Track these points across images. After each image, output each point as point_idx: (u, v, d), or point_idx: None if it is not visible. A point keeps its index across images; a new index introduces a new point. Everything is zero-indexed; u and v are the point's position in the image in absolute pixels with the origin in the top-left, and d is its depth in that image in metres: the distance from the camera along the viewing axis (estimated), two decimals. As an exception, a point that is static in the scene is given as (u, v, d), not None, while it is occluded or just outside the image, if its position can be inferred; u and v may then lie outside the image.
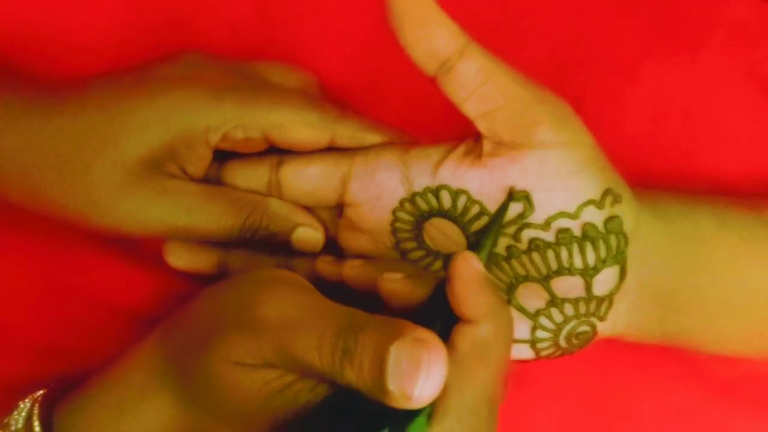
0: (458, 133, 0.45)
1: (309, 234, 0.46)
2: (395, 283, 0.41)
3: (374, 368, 0.35)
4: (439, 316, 0.38)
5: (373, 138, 0.45)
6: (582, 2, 0.50)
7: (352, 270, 0.45)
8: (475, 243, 0.42)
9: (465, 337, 0.37)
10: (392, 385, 0.34)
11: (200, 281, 0.51)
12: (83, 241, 0.51)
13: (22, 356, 0.51)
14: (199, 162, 0.45)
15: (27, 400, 0.45)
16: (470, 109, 0.41)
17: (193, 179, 0.46)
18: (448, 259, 0.39)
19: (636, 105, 0.50)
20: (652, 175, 0.49)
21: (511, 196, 0.42)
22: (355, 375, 0.35)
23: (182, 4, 0.50)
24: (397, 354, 0.34)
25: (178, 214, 0.45)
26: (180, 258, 0.48)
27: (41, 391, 0.45)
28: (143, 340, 0.44)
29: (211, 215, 0.45)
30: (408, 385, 0.34)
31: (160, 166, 0.44)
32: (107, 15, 0.50)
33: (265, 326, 0.37)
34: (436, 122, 0.46)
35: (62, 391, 0.45)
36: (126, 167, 0.43)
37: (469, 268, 0.38)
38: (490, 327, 0.37)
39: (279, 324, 0.37)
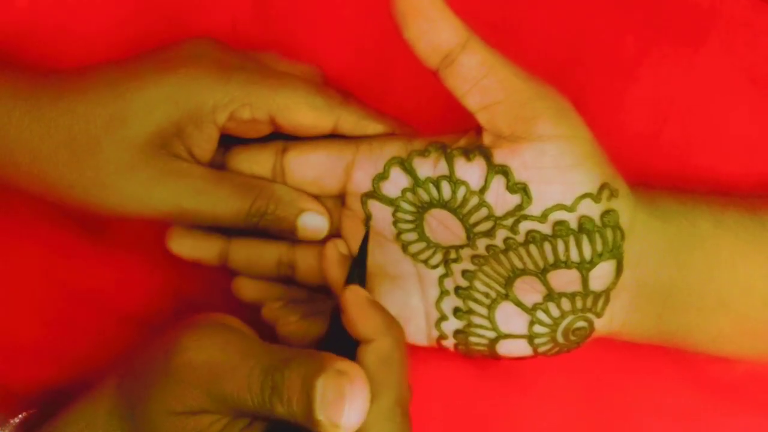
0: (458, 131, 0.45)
1: (314, 220, 0.46)
2: (290, 326, 0.45)
3: (302, 402, 0.38)
4: (339, 342, 0.42)
5: (375, 127, 0.46)
6: (581, 2, 0.51)
7: (270, 312, 0.47)
8: (350, 275, 0.45)
9: (369, 354, 0.40)
10: (321, 415, 0.37)
11: (199, 282, 0.51)
12: (84, 242, 0.51)
13: (21, 357, 0.51)
14: (205, 144, 0.45)
15: (9, 424, 0.45)
16: (471, 102, 0.42)
17: (199, 163, 0.46)
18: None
19: (635, 105, 0.50)
20: (650, 175, 0.49)
21: (368, 222, 0.45)
22: (285, 409, 0.38)
23: (182, 3, 0.51)
24: (323, 387, 0.37)
25: (184, 197, 0.45)
26: (182, 245, 0.48)
27: (20, 416, 0.46)
28: (107, 376, 0.44)
29: (218, 199, 0.45)
30: (336, 415, 0.37)
31: (167, 146, 0.44)
32: (107, 15, 0.50)
33: (192, 373, 0.39)
34: (436, 122, 0.46)
35: (44, 415, 0.45)
36: (134, 145, 0.44)
37: (356, 297, 0.41)
38: (388, 340, 0.40)
39: (206, 369, 0.39)
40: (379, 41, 0.51)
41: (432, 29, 0.40)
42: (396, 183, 0.45)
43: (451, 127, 0.45)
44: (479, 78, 0.41)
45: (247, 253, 0.48)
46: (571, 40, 0.51)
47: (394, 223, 0.45)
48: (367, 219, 0.46)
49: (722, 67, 0.50)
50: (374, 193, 0.45)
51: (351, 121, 0.46)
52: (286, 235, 0.47)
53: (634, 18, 0.50)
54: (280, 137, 0.47)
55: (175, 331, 0.41)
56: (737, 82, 0.50)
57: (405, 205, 0.45)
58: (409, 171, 0.44)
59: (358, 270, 0.45)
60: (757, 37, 0.50)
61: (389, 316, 0.41)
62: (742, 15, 0.50)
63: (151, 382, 0.40)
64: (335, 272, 0.47)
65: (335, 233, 0.48)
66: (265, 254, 0.48)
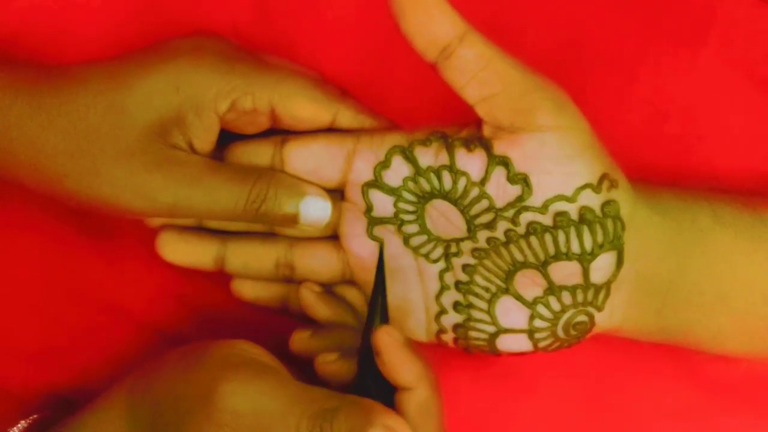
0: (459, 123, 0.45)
1: (317, 205, 0.46)
2: (331, 365, 0.45)
3: None
4: (374, 383, 0.43)
5: (372, 122, 0.46)
6: (581, 2, 0.51)
7: (300, 343, 0.46)
8: (372, 307, 0.45)
9: (410, 403, 0.41)
10: None
11: (202, 285, 0.51)
12: (85, 243, 0.51)
13: (22, 358, 0.51)
14: (205, 135, 0.45)
15: (18, 426, 0.45)
16: (470, 94, 0.42)
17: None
18: (367, 332, 0.43)
19: (635, 104, 0.51)
20: (651, 173, 0.49)
21: (382, 252, 0.45)
22: None
23: (182, 5, 0.51)
24: None
25: (181, 186, 0.44)
26: (174, 251, 0.48)
27: (29, 419, 0.45)
28: (115, 386, 0.44)
29: (215, 186, 0.44)
30: None
31: (166, 135, 0.44)
32: (107, 17, 0.50)
33: (238, 421, 0.39)
34: (436, 118, 0.46)
35: (53, 419, 0.45)
36: (132, 133, 0.43)
37: (391, 340, 0.41)
38: (426, 387, 0.42)
39: (252, 417, 0.39)
40: (379, 42, 0.51)
41: (430, 22, 0.40)
42: (397, 172, 0.45)
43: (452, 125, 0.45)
44: (477, 70, 0.41)
45: (245, 256, 0.48)
46: (571, 40, 0.51)
47: (396, 213, 0.45)
48: (381, 245, 0.46)
49: (722, 66, 0.50)
50: (375, 182, 0.45)
51: (349, 115, 0.46)
52: (287, 225, 0.46)
53: (634, 17, 0.51)
54: (278, 133, 0.47)
55: (207, 364, 0.41)
56: (737, 82, 0.50)
57: (406, 195, 0.45)
58: (411, 159, 0.44)
59: (381, 300, 0.44)
60: (757, 37, 0.50)
61: (424, 360, 0.42)
62: (742, 15, 0.50)
63: (184, 420, 0.40)
64: (322, 313, 0.47)
65: (333, 232, 0.48)
66: (263, 256, 0.48)
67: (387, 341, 0.41)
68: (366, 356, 0.43)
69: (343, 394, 0.40)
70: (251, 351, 0.42)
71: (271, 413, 0.39)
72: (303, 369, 0.45)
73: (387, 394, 0.42)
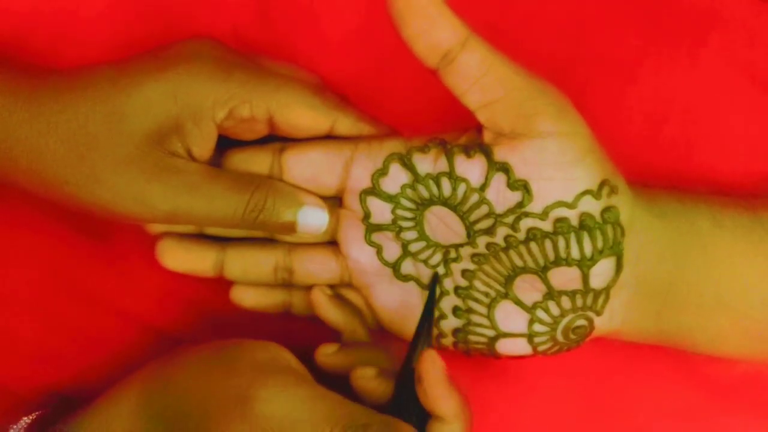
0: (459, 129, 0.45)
1: (314, 214, 0.46)
2: (369, 381, 0.44)
3: None
4: (411, 408, 0.43)
5: (371, 129, 0.46)
6: (581, 2, 0.51)
7: (325, 358, 0.46)
8: (416, 337, 0.45)
9: None
10: None
11: (204, 285, 0.51)
12: (86, 243, 0.51)
13: (23, 359, 0.51)
14: (204, 142, 0.45)
15: (20, 423, 0.45)
16: (471, 100, 0.42)
17: (197, 162, 0.45)
18: (410, 355, 0.44)
19: (635, 105, 0.51)
20: (650, 175, 0.49)
21: (436, 279, 0.45)
22: None
23: (182, 4, 0.51)
24: None
25: (180, 194, 0.44)
26: (174, 258, 0.48)
27: (31, 416, 0.45)
28: (126, 381, 0.44)
29: (214, 194, 0.44)
30: None
31: (165, 143, 0.44)
32: (107, 20, 0.50)
33: (274, 425, 0.39)
34: (435, 127, 0.46)
35: (55, 415, 0.45)
36: (131, 141, 0.43)
37: (435, 369, 0.42)
38: (460, 424, 0.42)
39: (288, 423, 0.39)
40: (379, 45, 0.51)
41: (431, 28, 0.40)
42: (395, 179, 0.45)
43: (452, 128, 0.45)
44: (479, 76, 0.41)
45: (243, 261, 0.48)
46: (571, 40, 0.51)
47: (394, 220, 0.45)
48: (435, 275, 0.46)
49: (722, 67, 0.50)
50: (373, 190, 0.45)
51: (348, 123, 0.46)
52: (285, 232, 0.46)
53: (634, 18, 0.50)
54: (277, 140, 0.47)
55: (236, 366, 0.41)
56: (737, 82, 0.50)
57: (404, 202, 0.45)
58: (409, 167, 0.44)
59: (427, 326, 0.45)
60: (757, 37, 0.50)
61: (462, 397, 0.43)
62: (742, 15, 0.50)
63: (215, 419, 0.40)
64: (333, 316, 0.47)
65: (332, 238, 0.48)
66: (262, 261, 0.48)
67: (430, 369, 0.42)
68: (405, 378, 0.43)
69: (377, 413, 0.41)
70: (285, 357, 0.43)
71: (305, 421, 0.39)
72: (322, 377, 0.45)
73: (420, 420, 0.42)
